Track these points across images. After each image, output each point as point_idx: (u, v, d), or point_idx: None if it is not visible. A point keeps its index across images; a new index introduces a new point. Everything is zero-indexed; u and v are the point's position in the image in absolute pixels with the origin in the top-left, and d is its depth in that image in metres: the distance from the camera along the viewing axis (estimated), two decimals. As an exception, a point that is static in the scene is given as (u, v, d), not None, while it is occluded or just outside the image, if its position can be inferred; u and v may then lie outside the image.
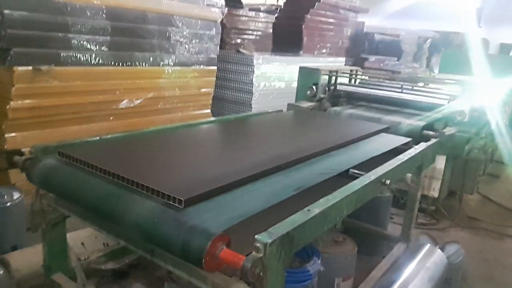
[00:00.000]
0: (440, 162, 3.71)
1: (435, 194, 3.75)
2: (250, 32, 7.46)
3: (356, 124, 3.34)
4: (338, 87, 4.43)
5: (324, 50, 7.81)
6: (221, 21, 7.12)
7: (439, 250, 2.22)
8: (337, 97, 4.48)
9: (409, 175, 2.77)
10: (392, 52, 11.23)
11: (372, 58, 9.17)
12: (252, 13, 7.57)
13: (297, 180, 1.80)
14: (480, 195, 4.60)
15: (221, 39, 6.44)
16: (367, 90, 4.35)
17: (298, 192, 1.66)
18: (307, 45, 7.22)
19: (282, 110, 3.64)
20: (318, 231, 1.50)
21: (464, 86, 3.98)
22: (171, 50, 3.79)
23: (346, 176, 2.04)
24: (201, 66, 4.17)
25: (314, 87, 4.27)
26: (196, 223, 1.29)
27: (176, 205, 1.36)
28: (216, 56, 4.33)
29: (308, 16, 7.07)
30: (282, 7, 7.68)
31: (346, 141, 2.54)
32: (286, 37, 7.24)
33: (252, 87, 4.60)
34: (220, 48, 5.10)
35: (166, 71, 3.78)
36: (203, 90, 4.24)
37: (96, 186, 1.55)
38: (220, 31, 4.32)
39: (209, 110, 4.39)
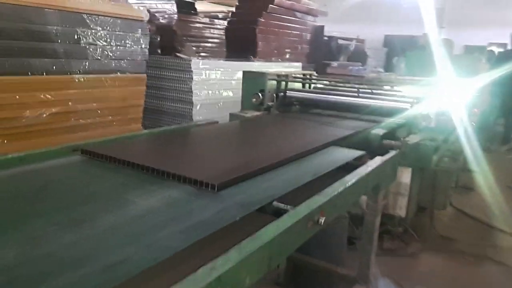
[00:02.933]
0: (406, 175, 3.17)
1: (402, 213, 3.21)
2: (202, 39, 6.97)
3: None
4: (289, 93, 3.88)
5: (283, 56, 7.30)
6: (172, 28, 6.59)
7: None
8: (288, 104, 3.93)
9: (364, 197, 2.21)
10: (357, 57, 10.94)
11: (335, 64, 8.73)
12: (204, 19, 7.08)
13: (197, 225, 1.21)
14: (453, 208, 4.11)
15: (173, 47, 5.92)
16: (322, 96, 3.82)
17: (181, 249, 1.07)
18: (262, 50, 6.67)
19: (217, 122, 3.05)
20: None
21: (429, 88, 3.50)
22: (81, 55, 3.15)
23: (268, 212, 1.45)
24: (126, 74, 3.53)
25: (260, 94, 3.71)
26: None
27: None
28: (144, 62, 3.70)
29: (262, 19, 6.55)
30: (234, 10, 7.13)
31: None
32: (240, 42, 6.70)
33: (192, 96, 3.98)
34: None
35: (77, 80, 3.13)
36: (130, 101, 3.60)
37: None
38: (147, 32, 3.69)
39: (139, 125, 3.74)
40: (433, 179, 3.44)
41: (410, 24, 10.56)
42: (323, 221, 1.37)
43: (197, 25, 6.95)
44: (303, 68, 6.72)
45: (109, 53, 3.35)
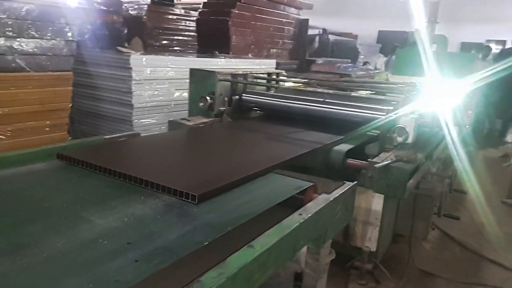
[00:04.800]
0: (377, 202, 2.58)
1: (372, 246, 2.62)
2: (176, 31, 6.37)
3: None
4: (245, 97, 3.28)
5: (262, 52, 6.69)
6: (141, 20, 6.01)
7: None
8: (246, 110, 3.34)
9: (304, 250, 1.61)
10: (348, 54, 10.39)
11: (320, 61, 8.10)
12: (180, 11, 6.48)
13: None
14: (438, 234, 3.53)
15: (142, 41, 5.36)
16: (284, 101, 3.21)
17: None
18: (237, 45, 6.06)
19: (139, 133, 2.45)
20: None
21: (411, 92, 2.90)
22: (-25, 48, 2.53)
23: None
24: (44, 72, 2.92)
25: (208, 97, 3.11)
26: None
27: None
28: (71, 57, 3.09)
29: (235, 10, 5.91)
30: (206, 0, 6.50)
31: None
32: (212, 36, 6.08)
33: (131, 97, 3.36)
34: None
35: (-31, 80, 2.52)
36: (50, 105, 2.99)
37: None
38: (76, 22, 3.07)
39: (64, 133, 3.13)
40: (412, 204, 2.86)
41: (405, 19, 9.96)
42: None
43: (171, 16, 6.34)
44: (285, 66, 6.11)
45: (17, 47, 2.73)
